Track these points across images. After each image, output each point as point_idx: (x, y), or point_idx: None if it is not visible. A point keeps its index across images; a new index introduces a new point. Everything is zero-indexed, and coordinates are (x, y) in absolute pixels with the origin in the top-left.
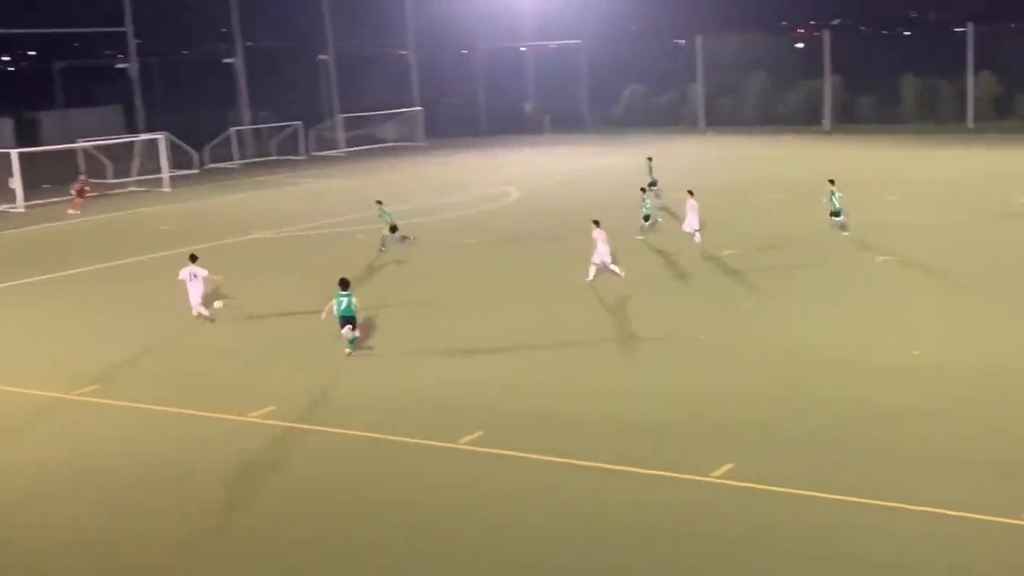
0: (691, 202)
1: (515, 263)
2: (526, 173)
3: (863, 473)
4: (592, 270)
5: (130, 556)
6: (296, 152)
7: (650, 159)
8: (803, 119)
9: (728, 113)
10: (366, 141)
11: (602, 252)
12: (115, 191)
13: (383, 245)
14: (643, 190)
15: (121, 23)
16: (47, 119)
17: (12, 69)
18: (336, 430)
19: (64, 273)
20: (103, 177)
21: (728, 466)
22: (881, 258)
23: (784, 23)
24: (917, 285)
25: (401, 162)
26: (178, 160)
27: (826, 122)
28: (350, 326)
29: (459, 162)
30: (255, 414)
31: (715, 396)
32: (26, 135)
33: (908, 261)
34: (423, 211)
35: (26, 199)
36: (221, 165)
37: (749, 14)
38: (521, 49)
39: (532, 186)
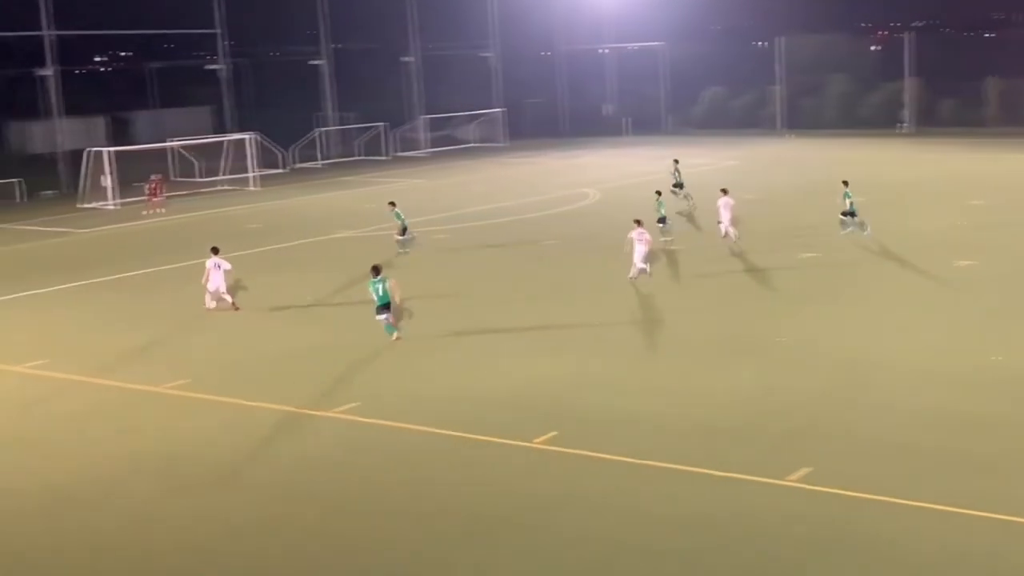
0: (724, 199)
1: (591, 263)
2: (605, 175)
3: (938, 480)
4: (634, 269)
5: (228, 556)
6: (380, 153)
7: (676, 161)
8: (884, 121)
9: (808, 115)
10: (448, 142)
11: (639, 252)
12: (205, 190)
13: (401, 247)
14: (658, 193)
15: (212, 25)
16: (140, 119)
17: (106, 69)
18: (416, 427)
19: (154, 269)
20: (192, 176)
21: (805, 470)
22: (961, 263)
23: (866, 25)
24: (997, 290)
25: (482, 163)
26: (266, 160)
27: (907, 125)
28: (387, 314)
29: (539, 163)
30: (339, 410)
31: (789, 399)
32: (119, 134)
33: (989, 266)
34: (504, 212)
35: (118, 197)
36: (307, 165)
37: (831, 15)
38: (602, 51)
39: (611, 188)
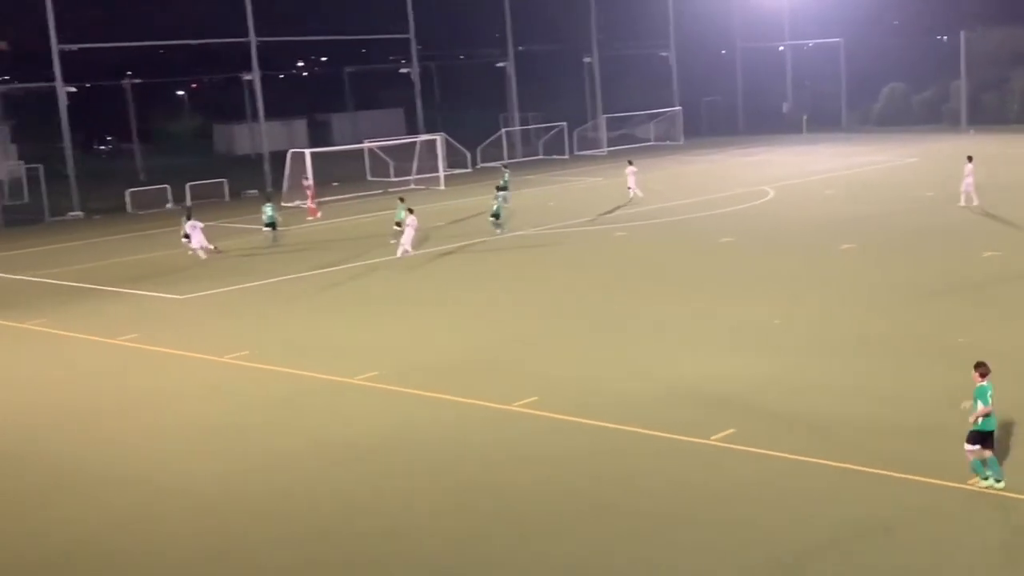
0: (630, 168)
1: (769, 261)
2: (783, 173)
3: None
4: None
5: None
6: (561, 152)
7: (505, 166)
8: None
9: (992, 111)
10: (627, 141)
11: (632, 180)
12: (395, 189)
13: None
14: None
15: (404, 30)
16: (337, 120)
17: (306, 74)
18: (593, 422)
19: (348, 265)
20: (386, 175)
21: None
22: None
23: None
24: None
25: (660, 161)
26: (453, 160)
27: None
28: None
29: (717, 161)
30: (519, 404)
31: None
32: (318, 135)
33: None
34: (680, 209)
35: (317, 196)
36: (492, 164)
37: (1015, 7)
38: (780, 48)
39: (788, 185)
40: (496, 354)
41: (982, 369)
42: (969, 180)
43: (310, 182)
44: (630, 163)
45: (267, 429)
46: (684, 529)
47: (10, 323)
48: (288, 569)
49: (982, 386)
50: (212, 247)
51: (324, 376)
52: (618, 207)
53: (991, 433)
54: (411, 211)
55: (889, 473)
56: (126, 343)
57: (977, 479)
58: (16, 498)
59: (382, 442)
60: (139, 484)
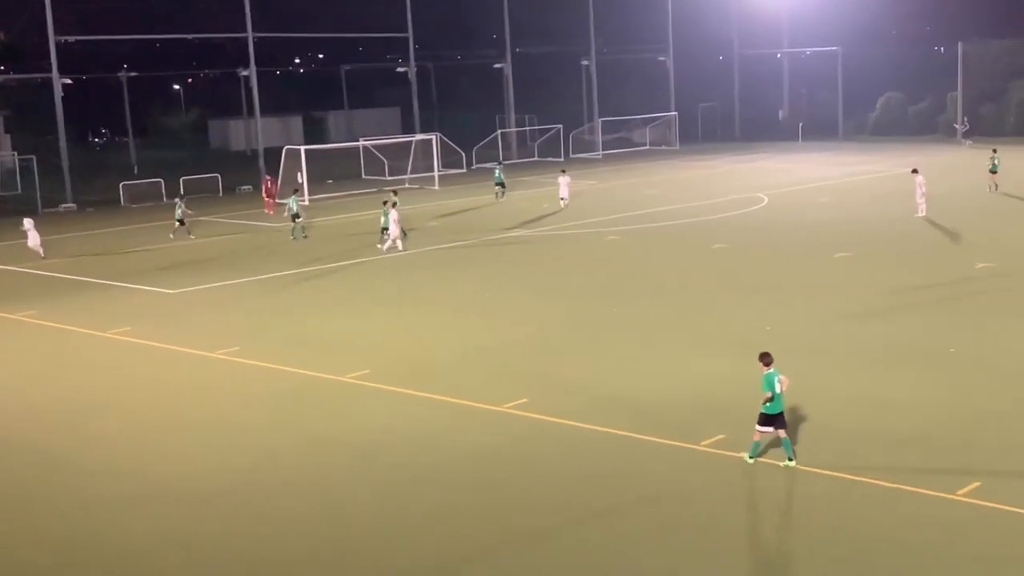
0: (563, 179)
1: (761, 268)
2: (777, 180)
3: None
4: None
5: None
6: (556, 154)
7: (500, 162)
8: None
9: (989, 122)
10: (622, 145)
11: (564, 191)
12: (390, 188)
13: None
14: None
15: (402, 29)
16: (333, 118)
17: (303, 71)
18: (584, 425)
19: (340, 263)
20: (381, 174)
21: (975, 484)
22: None
23: None
24: None
25: (655, 166)
26: (448, 160)
27: None
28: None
29: (712, 167)
30: (509, 405)
31: (958, 411)
32: (313, 133)
33: None
34: (674, 214)
35: (311, 193)
36: (487, 165)
37: (1012, 20)
38: (777, 55)
39: (782, 193)
40: (486, 355)
41: (766, 359)
42: (921, 191)
43: (272, 177)
44: (563, 172)
45: (258, 426)
46: (676, 533)
47: (0, 314)
48: (280, 565)
49: (768, 374)
50: (41, 251)
51: (315, 373)
52: (550, 214)
53: (780, 415)
54: (395, 205)
55: (877, 482)
56: (117, 336)
57: (745, 456)
58: (5, 491)
59: (372, 441)
60: (130, 478)
